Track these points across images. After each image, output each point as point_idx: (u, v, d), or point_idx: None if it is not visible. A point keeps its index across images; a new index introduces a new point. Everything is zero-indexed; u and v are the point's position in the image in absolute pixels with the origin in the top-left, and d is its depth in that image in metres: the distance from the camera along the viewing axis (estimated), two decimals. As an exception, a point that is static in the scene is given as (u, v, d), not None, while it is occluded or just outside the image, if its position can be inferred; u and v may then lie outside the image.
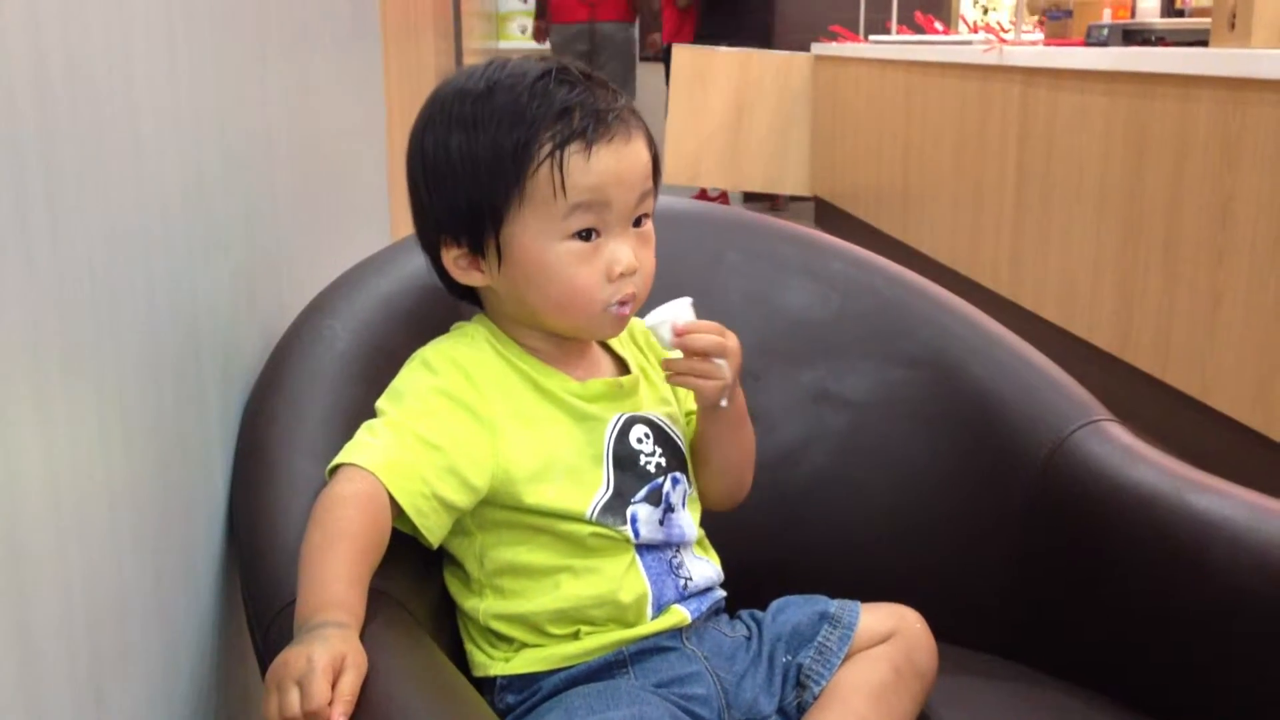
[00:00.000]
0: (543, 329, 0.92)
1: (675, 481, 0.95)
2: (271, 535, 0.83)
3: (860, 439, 1.16)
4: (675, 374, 0.92)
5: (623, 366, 0.99)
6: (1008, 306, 3.71)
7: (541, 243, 0.87)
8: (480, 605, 0.90)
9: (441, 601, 0.93)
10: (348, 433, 0.85)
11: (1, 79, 0.52)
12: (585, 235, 0.87)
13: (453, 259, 0.91)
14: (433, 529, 0.84)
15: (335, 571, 0.75)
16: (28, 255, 0.55)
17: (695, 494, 0.98)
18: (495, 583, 0.90)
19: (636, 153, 0.88)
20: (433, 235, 0.91)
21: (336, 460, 0.82)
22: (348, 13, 1.58)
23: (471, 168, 0.87)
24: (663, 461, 0.94)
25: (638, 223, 0.90)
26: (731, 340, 0.91)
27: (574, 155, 0.85)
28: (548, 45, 6.51)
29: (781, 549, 1.14)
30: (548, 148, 0.85)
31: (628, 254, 0.88)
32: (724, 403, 0.92)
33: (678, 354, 0.92)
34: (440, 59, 3.32)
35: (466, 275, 0.91)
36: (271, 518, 0.85)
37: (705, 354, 0.90)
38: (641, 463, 0.93)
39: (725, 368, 0.90)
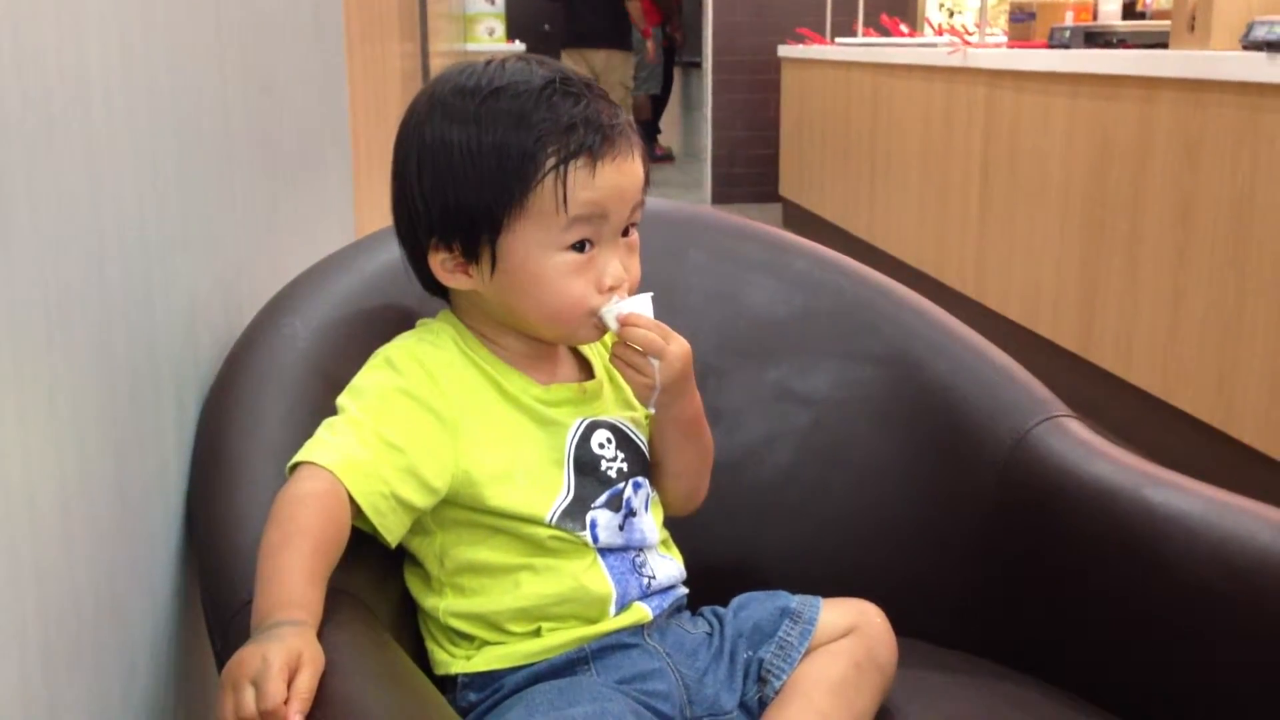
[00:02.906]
0: (522, 332, 0.92)
1: (637, 486, 0.95)
2: (230, 534, 0.83)
3: (823, 437, 1.16)
4: (613, 357, 0.92)
5: (588, 369, 0.99)
6: (973, 307, 3.74)
7: (538, 253, 0.87)
8: (440, 604, 0.90)
9: (402, 600, 0.93)
10: (307, 431, 0.84)
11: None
12: (579, 246, 0.87)
13: (440, 261, 0.90)
14: (391, 529, 0.84)
15: (293, 569, 0.74)
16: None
17: (658, 498, 0.98)
18: (455, 581, 0.89)
19: (634, 168, 0.89)
20: (419, 235, 0.90)
21: (296, 458, 0.82)
22: (309, 11, 1.58)
23: (472, 169, 0.86)
24: (624, 466, 0.94)
25: (625, 232, 0.90)
26: (674, 346, 0.91)
27: (579, 170, 0.85)
28: (518, 44, 6.60)
29: (744, 547, 1.14)
30: (553, 161, 0.85)
31: (618, 267, 0.89)
32: (650, 407, 0.93)
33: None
34: (405, 61, 3.31)
35: (452, 278, 0.90)
36: (230, 516, 0.84)
37: (641, 349, 0.90)
38: (603, 468, 0.93)
39: (655, 369, 0.90)
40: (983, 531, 1.11)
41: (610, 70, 7.55)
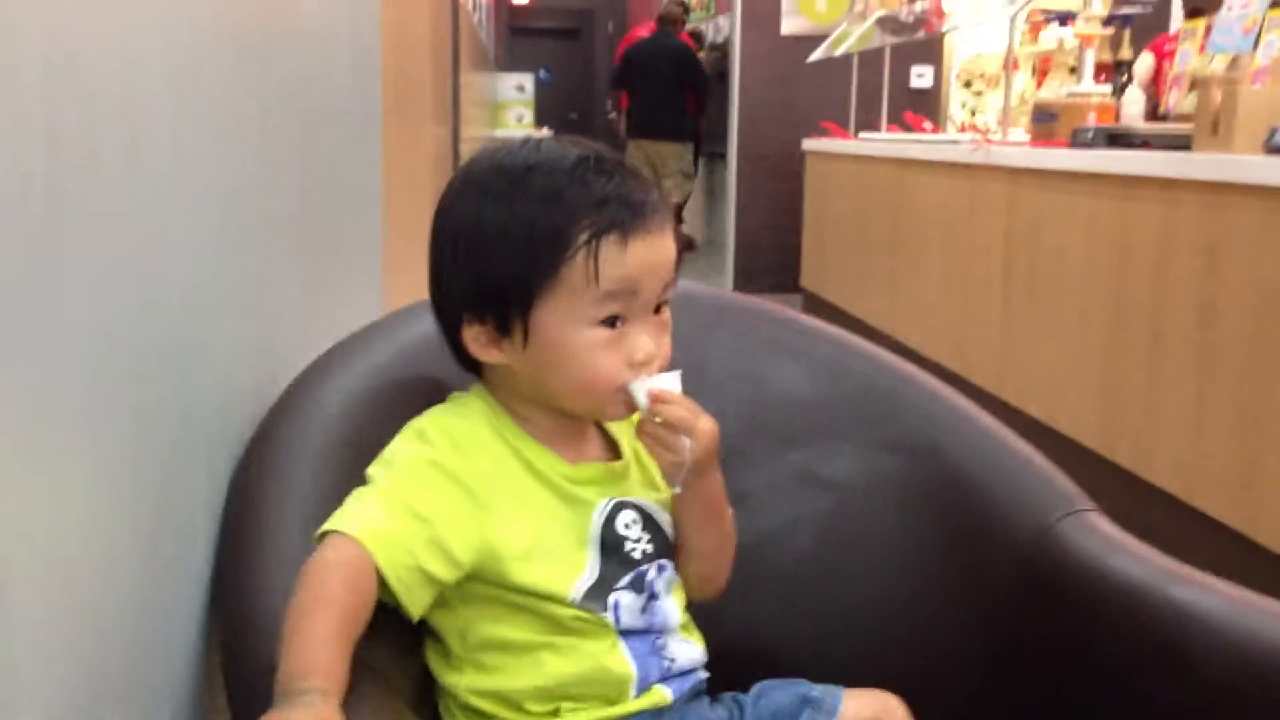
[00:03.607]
0: (551, 407, 0.92)
1: (661, 569, 0.95)
2: (255, 600, 0.83)
3: (845, 523, 1.16)
4: (642, 432, 0.92)
5: (615, 449, 0.99)
6: (994, 402, 3.73)
7: (569, 327, 0.88)
8: (460, 681, 0.89)
9: (422, 676, 0.92)
10: (336, 501, 0.85)
11: (15, 156, 0.54)
12: (610, 322, 0.88)
13: (473, 336, 0.91)
14: (415, 601, 0.84)
15: (318, 638, 0.74)
16: (23, 309, 0.55)
17: (679, 581, 0.98)
18: (476, 658, 0.89)
19: (666, 245, 0.90)
20: (454, 309, 0.92)
21: (324, 527, 0.82)
22: (349, 93, 1.62)
23: (505, 246, 0.87)
24: (649, 548, 0.94)
25: (657, 309, 0.91)
26: (704, 423, 0.91)
27: (610, 246, 0.86)
28: (546, 131, 6.82)
29: (765, 632, 1.14)
30: (585, 236, 0.86)
31: (649, 343, 0.89)
32: (677, 488, 0.92)
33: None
34: (437, 144, 3.37)
35: (485, 352, 0.91)
36: (256, 583, 0.84)
37: (672, 426, 0.90)
38: (627, 549, 0.93)
39: (686, 447, 0.90)
40: (1004, 624, 1.10)
41: (673, 159, 7.86)
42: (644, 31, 8.87)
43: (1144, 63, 4.11)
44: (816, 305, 6.08)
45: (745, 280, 7.21)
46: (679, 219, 9.95)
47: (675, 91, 7.26)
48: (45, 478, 0.58)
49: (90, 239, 0.63)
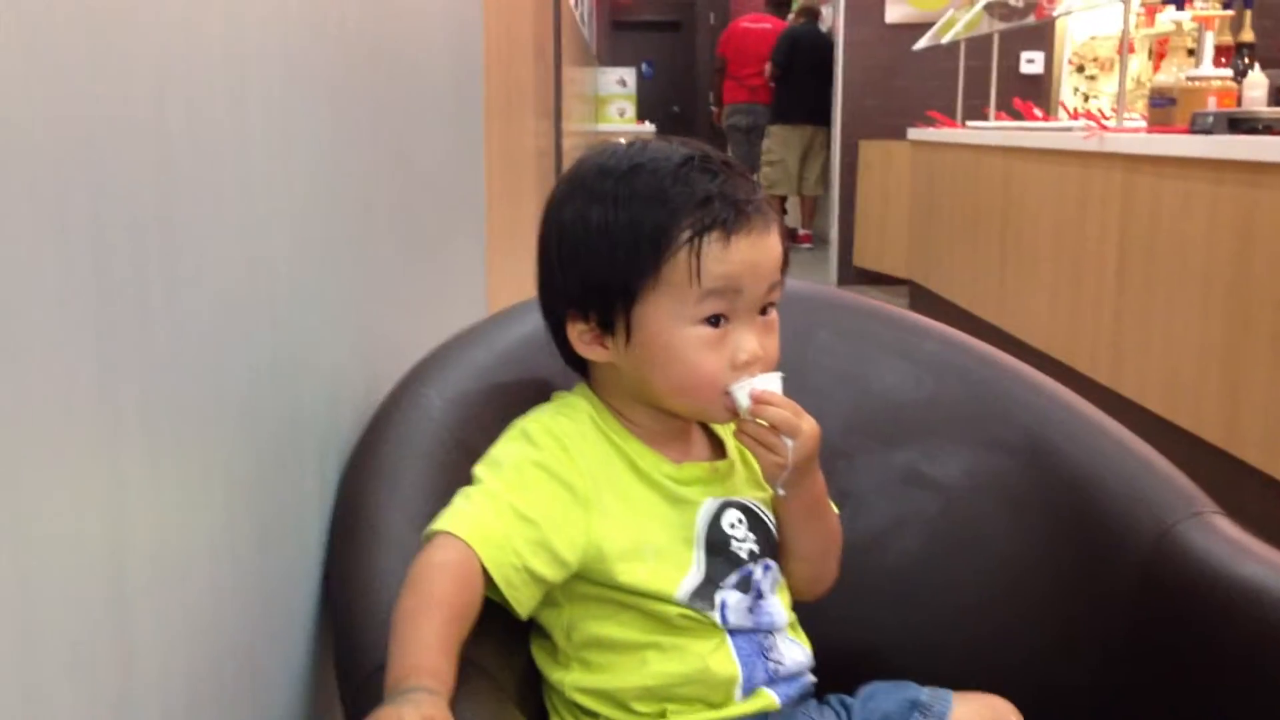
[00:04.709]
0: (656, 407, 0.92)
1: (766, 568, 0.94)
2: (365, 599, 0.85)
3: (952, 523, 1.14)
4: (742, 433, 0.91)
5: (720, 449, 0.99)
6: (1108, 395, 3.63)
7: (671, 325, 0.88)
8: (566, 678, 0.90)
9: (527, 672, 0.93)
10: (443, 500, 0.86)
11: (128, 148, 0.55)
12: (714, 321, 0.88)
13: (578, 333, 0.91)
14: (522, 601, 0.85)
15: (427, 638, 0.75)
16: (144, 321, 0.57)
17: (784, 581, 0.97)
18: (582, 655, 0.90)
19: (771, 244, 0.89)
20: (559, 307, 0.92)
21: (432, 527, 0.83)
22: (452, 89, 1.63)
23: (609, 245, 0.88)
24: (755, 548, 0.94)
25: (764, 311, 0.90)
26: (807, 424, 0.90)
27: (713, 244, 0.86)
28: (648, 125, 6.89)
29: (871, 633, 1.12)
30: (687, 234, 0.86)
31: (753, 343, 0.89)
32: (780, 490, 0.91)
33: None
34: (540, 139, 3.40)
35: (590, 350, 0.91)
36: (366, 581, 0.86)
37: (775, 428, 0.89)
38: (733, 548, 0.92)
39: (789, 449, 0.89)
40: (1122, 630, 1.06)
41: (821, 146, 7.97)
42: (748, 21, 8.85)
43: None
44: (923, 297, 5.99)
45: (850, 275, 7.14)
46: (782, 210, 9.92)
47: (827, 79, 7.33)
48: (165, 482, 0.60)
49: (204, 251, 0.65)
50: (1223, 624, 0.99)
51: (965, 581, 1.13)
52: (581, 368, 0.96)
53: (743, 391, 0.88)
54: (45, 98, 0.47)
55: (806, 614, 0.99)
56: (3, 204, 0.44)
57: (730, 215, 0.86)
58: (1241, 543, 1.02)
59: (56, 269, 0.48)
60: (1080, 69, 6.56)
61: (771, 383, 0.89)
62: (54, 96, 0.48)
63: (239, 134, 0.71)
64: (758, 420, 0.89)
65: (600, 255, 0.88)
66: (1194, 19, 4.06)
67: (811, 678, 0.96)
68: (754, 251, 0.88)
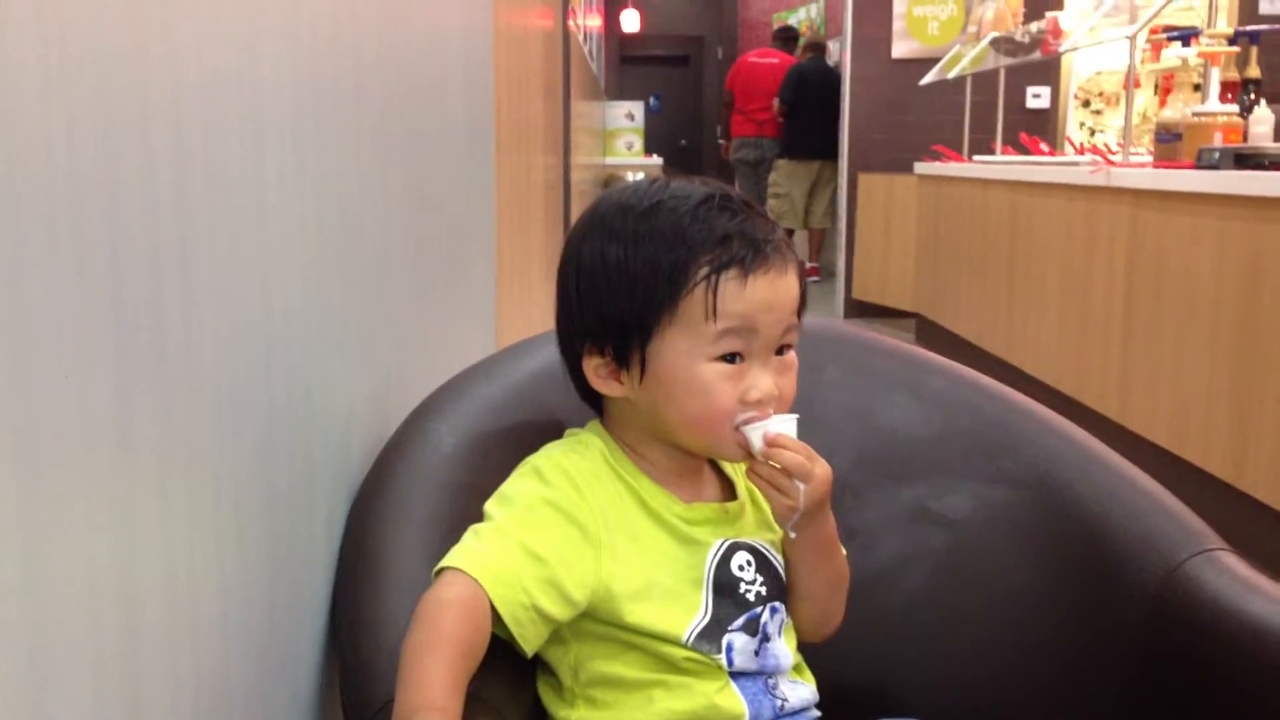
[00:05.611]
0: (669, 443, 0.93)
1: (774, 611, 0.94)
2: (373, 634, 0.85)
3: (960, 560, 1.13)
4: (754, 474, 0.91)
5: (731, 490, 0.99)
6: (1116, 430, 3.62)
7: (686, 361, 0.88)
8: (572, 715, 0.89)
9: (534, 709, 0.93)
10: (453, 535, 0.86)
11: (146, 180, 0.56)
12: (730, 358, 0.88)
13: (594, 367, 0.92)
14: (529, 639, 0.85)
15: (435, 674, 0.75)
16: (159, 351, 0.57)
17: (791, 623, 0.97)
18: (588, 693, 0.89)
19: (788, 285, 0.90)
20: (576, 341, 0.93)
21: (442, 563, 0.83)
22: (463, 123, 1.65)
23: (627, 281, 0.88)
24: (763, 590, 0.94)
25: (780, 351, 0.91)
26: (820, 469, 0.90)
27: (730, 281, 0.87)
28: (656, 159, 6.95)
29: (878, 670, 1.12)
30: (704, 270, 0.87)
31: (767, 382, 0.89)
32: (792, 532, 0.91)
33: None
34: (549, 173, 3.41)
35: (605, 384, 0.92)
36: (374, 617, 0.86)
37: (787, 471, 0.89)
38: (741, 590, 0.92)
39: (801, 492, 0.89)
40: (1131, 668, 1.06)
41: (828, 181, 8.01)
42: (755, 56, 8.91)
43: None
44: (930, 330, 5.99)
45: (856, 308, 7.14)
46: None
47: (834, 114, 7.38)
48: (176, 512, 0.60)
49: (219, 282, 0.66)
50: (1232, 661, 0.98)
51: (972, 618, 1.12)
52: (596, 403, 0.96)
53: (756, 433, 0.88)
54: (64, 129, 0.48)
55: (814, 650, 0.99)
56: (23, 232, 0.44)
57: (749, 254, 0.87)
58: (1250, 580, 1.01)
59: (76, 299, 0.49)
60: (1086, 104, 6.58)
61: (786, 425, 0.89)
62: (72, 128, 0.48)
63: (256, 163, 0.72)
64: (770, 463, 0.89)
65: (618, 290, 0.89)
66: (1200, 55, 4.08)
67: (817, 714, 0.96)
68: (771, 291, 0.88)
